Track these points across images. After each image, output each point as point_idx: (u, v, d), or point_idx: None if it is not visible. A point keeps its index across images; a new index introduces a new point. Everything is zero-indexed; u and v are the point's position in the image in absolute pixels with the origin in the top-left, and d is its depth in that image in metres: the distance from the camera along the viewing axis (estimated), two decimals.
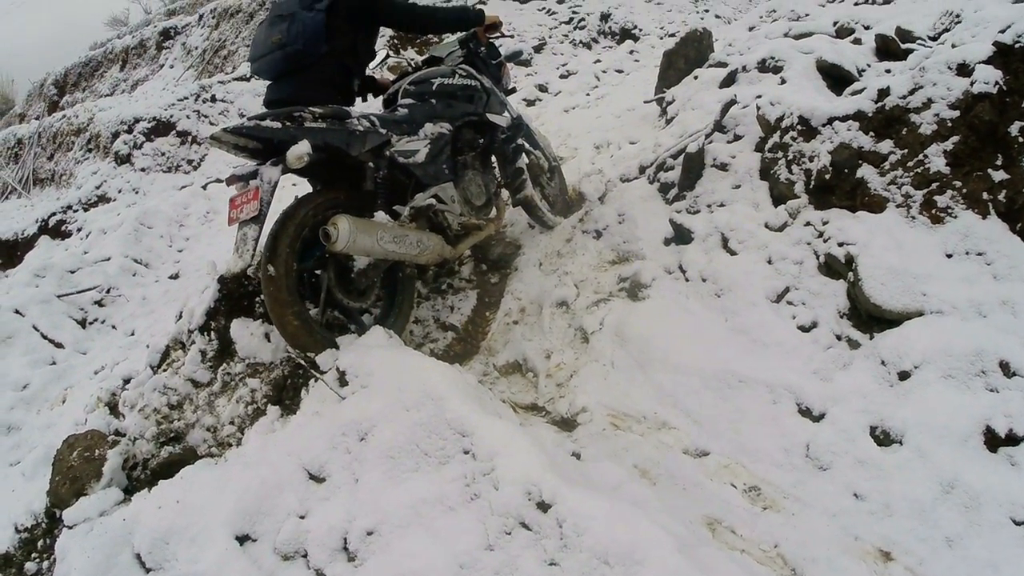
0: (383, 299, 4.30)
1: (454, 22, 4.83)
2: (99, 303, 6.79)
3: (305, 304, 3.72)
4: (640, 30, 12.99)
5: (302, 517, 3.01)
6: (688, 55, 6.47)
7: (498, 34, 5.17)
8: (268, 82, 4.32)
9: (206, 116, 11.81)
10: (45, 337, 6.33)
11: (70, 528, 3.41)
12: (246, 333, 4.02)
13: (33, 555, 3.79)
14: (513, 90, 5.39)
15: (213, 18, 16.41)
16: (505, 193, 5.15)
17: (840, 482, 3.09)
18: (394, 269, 4.24)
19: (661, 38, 12.30)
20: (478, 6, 5.05)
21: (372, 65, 4.72)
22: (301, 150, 3.45)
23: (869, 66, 4.71)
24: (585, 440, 3.51)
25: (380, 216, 3.90)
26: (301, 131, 3.57)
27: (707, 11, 14.19)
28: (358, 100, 4.53)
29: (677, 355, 3.79)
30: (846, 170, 3.99)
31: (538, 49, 12.93)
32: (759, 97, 4.74)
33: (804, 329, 3.72)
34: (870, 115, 4.02)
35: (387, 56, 4.68)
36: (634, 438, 3.48)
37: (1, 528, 4.02)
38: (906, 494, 2.92)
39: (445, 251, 4.26)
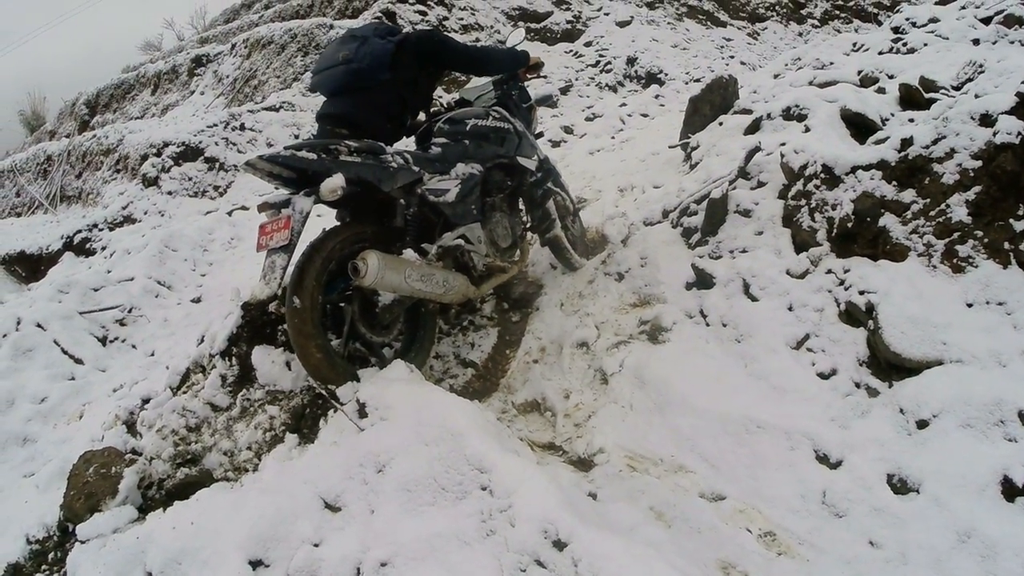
0: (404, 333, 4.32)
1: (508, 63, 4.94)
2: (120, 322, 6.83)
3: (328, 336, 3.75)
4: (666, 75, 13.09)
5: (316, 545, 3.02)
6: (714, 101, 6.49)
7: (538, 75, 5.29)
8: (324, 99, 4.42)
9: (234, 144, 11.96)
10: (65, 352, 6.36)
11: (83, 543, 3.43)
12: (267, 360, 4.06)
13: (43, 567, 3.79)
14: (540, 134, 5.44)
15: (245, 48, 16.66)
16: (531, 235, 5.18)
17: (856, 529, 3.06)
18: (417, 304, 4.25)
19: (686, 83, 12.39)
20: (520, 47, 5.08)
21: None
22: (335, 183, 3.49)
23: (893, 115, 4.73)
24: (601, 481, 3.50)
25: (408, 254, 3.92)
26: (336, 164, 3.61)
27: (732, 57, 14.31)
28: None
29: (696, 399, 3.78)
30: (868, 219, 3.99)
31: (564, 91, 13.07)
32: (783, 144, 4.76)
33: (823, 376, 3.71)
34: (893, 164, 4.03)
35: None
36: (651, 480, 3.46)
37: (12, 539, 4.02)
38: (922, 543, 2.89)
39: (469, 291, 4.29)
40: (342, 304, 3.93)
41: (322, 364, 3.60)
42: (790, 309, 4.02)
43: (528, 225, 5.12)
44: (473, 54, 4.66)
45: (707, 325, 4.24)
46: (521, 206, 5.16)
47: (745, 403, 3.67)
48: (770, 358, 3.86)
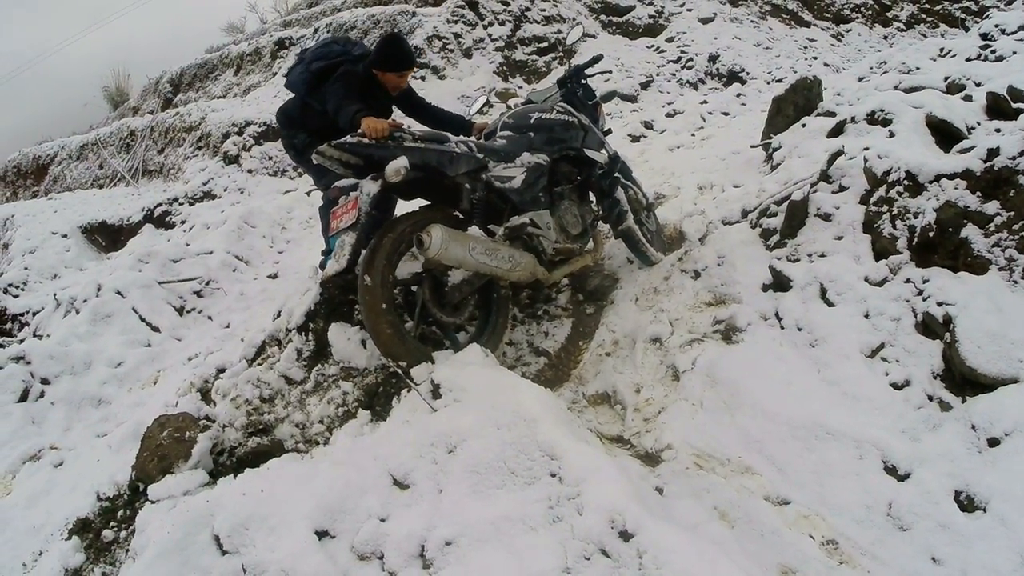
0: (478, 318, 4.42)
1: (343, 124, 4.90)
2: (198, 293, 7.00)
3: (399, 315, 3.86)
4: (748, 74, 12.92)
5: (382, 520, 3.08)
6: (797, 102, 6.39)
7: (590, 59, 5.40)
8: None
9: None
10: (143, 320, 6.54)
11: (153, 503, 3.53)
12: (343, 337, 4.17)
13: (112, 524, 3.89)
14: (608, 131, 5.47)
15: (328, 31, 16.82)
16: (605, 227, 5.20)
17: (919, 544, 3.01)
18: (489, 289, 4.36)
19: (768, 83, 12.20)
20: (584, 37, 5.20)
21: (475, 108, 5.05)
22: (399, 164, 3.63)
23: (979, 124, 4.62)
24: (668, 476, 3.50)
25: (474, 230, 4.06)
26: (400, 149, 3.77)
27: (815, 58, 14.06)
28: None
29: (767, 402, 3.75)
30: (950, 229, 3.90)
31: (645, 86, 13.00)
32: (867, 149, 4.67)
33: (896, 387, 3.64)
34: (978, 174, 3.93)
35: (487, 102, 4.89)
36: (716, 479, 3.45)
37: (83, 495, 4.15)
38: (985, 563, 2.84)
39: (538, 271, 4.35)
40: (414, 287, 4.07)
41: (391, 341, 3.76)
42: (866, 316, 3.96)
43: (600, 215, 5.17)
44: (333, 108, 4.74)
45: (782, 328, 4.19)
46: (592, 197, 5.25)
47: (816, 409, 3.63)
48: (843, 365, 3.80)
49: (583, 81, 5.36)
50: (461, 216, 4.27)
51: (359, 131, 3.86)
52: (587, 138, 4.89)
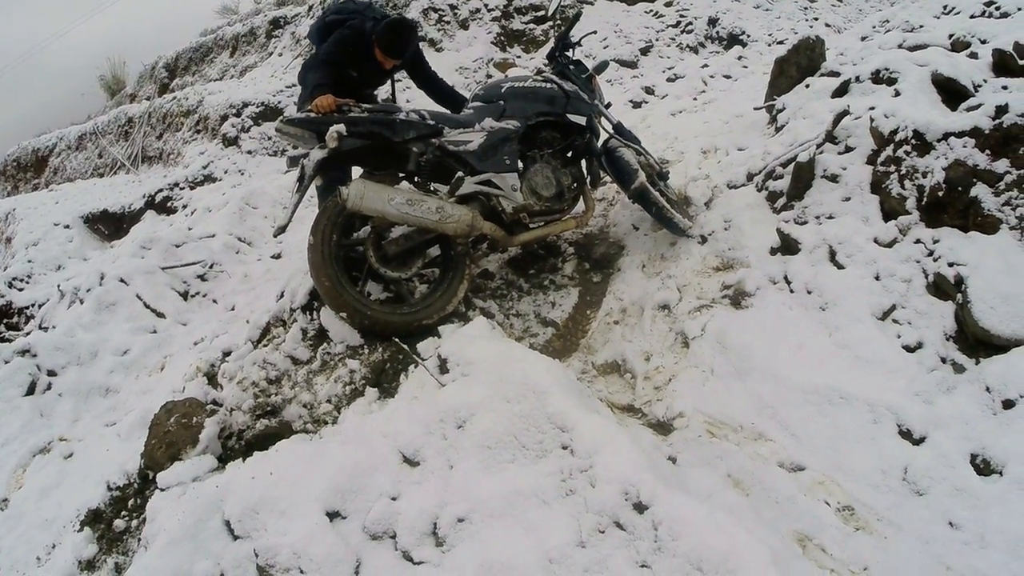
0: (438, 277, 4.53)
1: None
2: (202, 277, 6.95)
3: (340, 270, 4.11)
4: (748, 36, 12.80)
5: (394, 499, 3.06)
6: (800, 63, 6.30)
7: (568, 23, 5.41)
8: None
9: None
10: (148, 306, 6.50)
11: (163, 490, 3.52)
12: (337, 319, 4.19)
13: (123, 513, 3.88)
14: (608, 104, 5.49)
15: (321, 9, 16.70)
16: (612, 189, 5.20)
17: (936, 509, 3.00)
18: (446, 247, 4.51)
19: (769, 45, 12.10)
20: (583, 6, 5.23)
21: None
22: (335, 129, 3.92)
23: (985, 81, 4.55)
24: (680, 445, 3.49)
25: (403, 185, 4.34)
26: (341, 118, 4.08)
27: (816, 19, 13.93)
28: None
29: (778, 367, 3.73)
30: (959, 188, 3.86)
31: (644, 52, 12.88)
32: (872, 109, 4.62)
33: (909, 349, 3.62)
34: (987, 132, 3.88)
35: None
36: (730, 447, 3.44)
37: (94, 485, 4.15)
38: (1003, 527, 2.84)
39: (481, 225, 4.41)
40: (360, 247, 4.32)
41: (330, 293, 4.00)
42: (877, 278, 3.93)
43: (588, 179, 5.19)
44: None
45: (791, 292, 4.16)
46: (583, 162, 5.27)
47: (828, 373, 3.61)
48: (855, 328, 3.78)
49: (571, 55, 5.41)
50: (404, 176, 4.53)
51: (308, 107, 4.24)
52: (570, 103, 4.92)
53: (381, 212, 4.04)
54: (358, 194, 4.00)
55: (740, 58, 11.33)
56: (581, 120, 4.95)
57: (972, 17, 6.35)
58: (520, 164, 4.72)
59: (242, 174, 10.89)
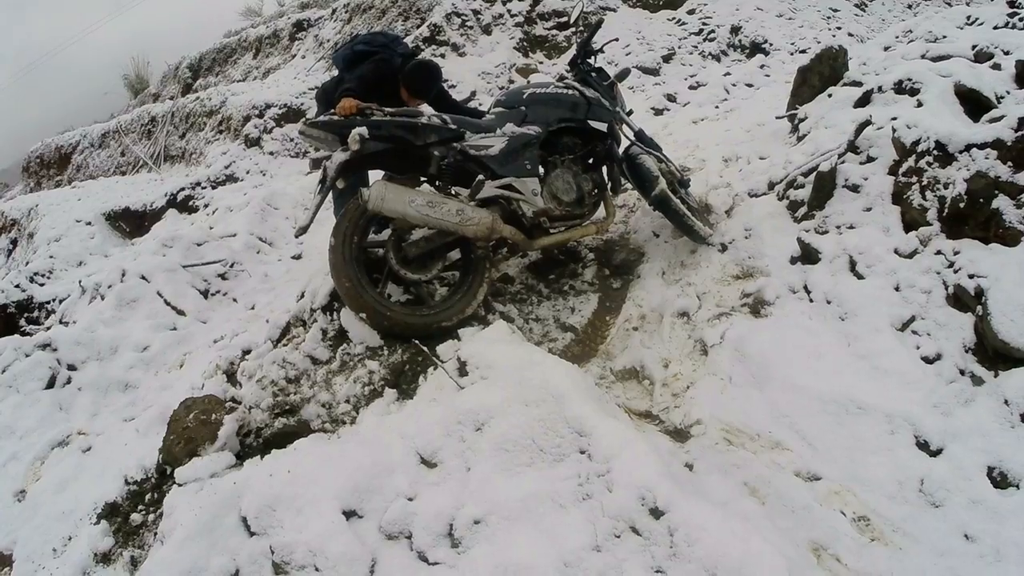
0: (458, 280, 4.60)
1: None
2: (222, 276, 6.99)
3: (362, 271, 4.18)
4: (771, 45, 12.74)
5: (410, 499, 3.08)
6: (822, 72, 6.28)
7: (590, 30, 5.38)
8: None
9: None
10: (168, 304, 6.54)
11: (180, 486, 3.51)
12: (357, 320, 4.23)
13: (140, 507, 3.92)
14: (630, 112, 5.49)
15: (346, 12, 16.76)
16: (631, 199, 5.21)
17: (952, 521, 3.00)
18: (467, 250, 4.55)
19: (792, 54, 12.04)
20: (603, 11, 5.26)
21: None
22: (357, 132, 3.97)
23: (1008, 93, 4.53)
24: (697, 452, 3.48)
25: (424, 187, 4.38)
26: (364, 121, 4.10)
27: (839, 28, 13.85)
28: None
29: (796, 376, 3.73)
30: (981, 200, 3.85)
31: (667, 59, 12.84)
32: (895, 119, 4.61)
33: (928, 360, 3.61)
34: (1009, 144, 3.87)
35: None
36: (746, 455, 3.44)
37: (111, 479, 4.17)
38: (1018, 540, 2.83)
39: (501, 229, 4.42)
40: (381, 249, 4.40)
41: (350, 293, 4.08)
42: (897, 289, 3.92)
43: (609, 185, 5.16)
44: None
45: (811, 301, 4.16)
46: (604, 169, 5.23)
47: (846, 383, 3.61)
48: (874, 338, 3.77)
49: (593, 62, 5.42)
50: (426, 180, 4.56)
51: (332, 110, 4.29)
52: (591, 111, 4.93)
53: (402, 213, 4.08)
54: (379, 195, 4.04)
55: (762, 67, 11.30)
56: (602, 126, 4.95)
57: (995, 28, 6.31)
58: (541, 169, 4.74)
59: (264, 175, 10.94)
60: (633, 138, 5.26)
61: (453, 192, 4.42)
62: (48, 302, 8.08)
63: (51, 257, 10.07)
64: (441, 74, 5.39)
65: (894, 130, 4.49)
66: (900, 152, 4.43)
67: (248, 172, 11.07)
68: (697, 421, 3.74)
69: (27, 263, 10.58)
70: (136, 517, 3.87)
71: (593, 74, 5.27)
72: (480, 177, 4.34)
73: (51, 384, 5.59)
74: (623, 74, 5.62)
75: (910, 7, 16.43)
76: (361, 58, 5.16)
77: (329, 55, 15.55)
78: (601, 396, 3.63)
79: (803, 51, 11.75)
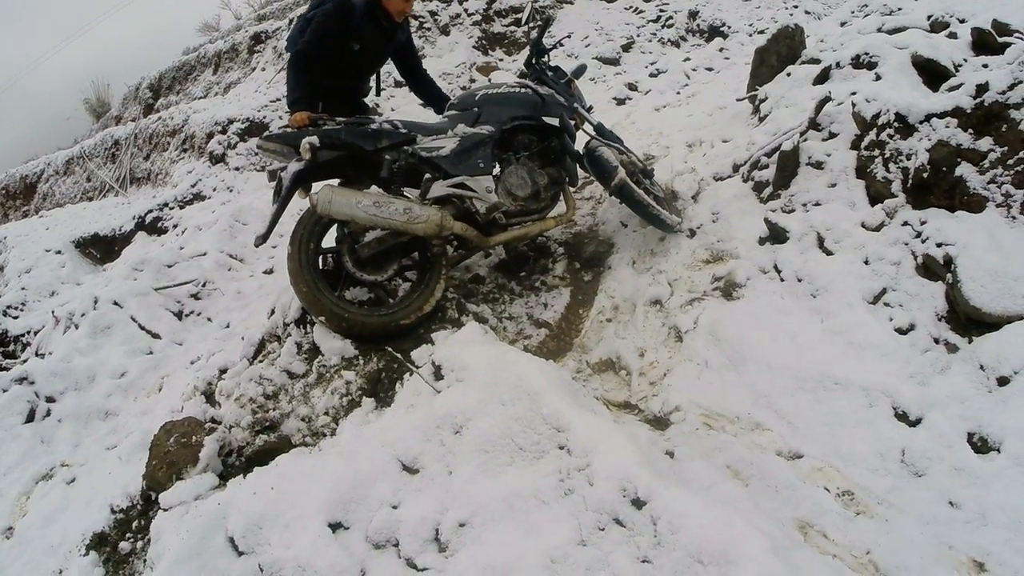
0: (415, 279, 4.64)
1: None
2: (195, 296, 6.95)
3: (318, 275, 4.27)
4: (729, 27, 12.79)
5: (395, 507, 3.08)
6: (780, 52, 6.32)
7: (540, 28, 5.46)
8: None
9: None
10: (143, 328, 6.50)
11: (166, 510, 3.52)
12: (329, 336, 4.26)
13: (127, 535, 3.89)
14: (590, 107, 5.56)
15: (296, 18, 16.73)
16: (600, 189, 5.23)
17: (935, 489, 3.02)
18: (423, 250, 4.61)
19: (750, 35, 12.12)
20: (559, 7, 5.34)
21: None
22: (308, 141, 4.14)
23: (966, 61, 4.56)
24: (678, 439, 3.50)
25: (372, 189, 4.45)
26: (315, 131, 4.27)
27: (796, 7, 13.90)
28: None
29: (772, 356, 3.75)
30: (944, 168, 3.88)
31: (626, 48, 12.87)
32: (854, 94, 4.64)
33: (901, 332, 3.64)
34: (968, 111, 3.90)
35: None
36: (727, 438, 3.45)
37: (97, 508, 4.16)
38: (1003, 503, 2.85)
39: (451, 225, 4.44)
40: (332, 254, 4.50)
41: (308, 297, 4.16)
42: (866, 263, 3.95)
43: (565, 179, 5.20)
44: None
45: (781, 280, 4.18)
46: (565, 163, 5.28)
47: (822, 359, 3.63)
48: (847, 313, 3.80)
49: (548, 60, 5.49)
50: (380, 183, 4.58)
51: (285, 124, 4.41)
52: (545, 107, 5.00)
53: (350, 216, 4.16)
54: (326, 199, 4.11)
55: (722, 50, 11.38)
56: (555, 122, 5.01)
57: None
58: (497, 167, 4.81)
59: (231, 191, 10.84)
60: (593, 132, 5.29)
61: (406, 195, 4.46)
62: (23, 335, 7.99)
63: (23, 289, 9.95)
64: None
65: (854, 105, 4.52)
66: (861, 126, 4.46)
67: (215, 189, 10.97)
68: (676, 408, 3.75)
69: None
70: (124, 545, 3.85)
71: (549, 72, 5.35)
72: (427, 176, 4.42)
73: (31, 418, 5.56)
74: (579, 71, 5.69)
75: None
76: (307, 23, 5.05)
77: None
78: (578, 390, 3.64)
79: (761, 32, 11.82)
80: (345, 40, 4.91)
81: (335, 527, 3.06)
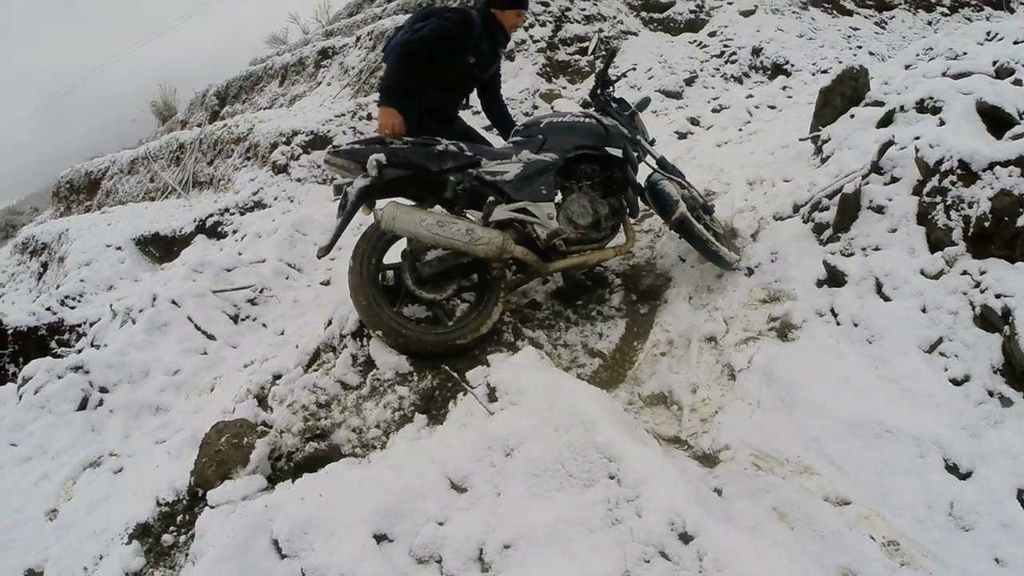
0: (474, 300, 4.71)
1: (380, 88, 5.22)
2: (252, 301, 7.10)
3: (379, 290, 4.33)
4: (792, 66, 12.78)
5: (441, 524, 3.09)
6: (844, 93, 6.29)
7: (606, 60, 5.54)
8: None
9: (361, 133, 12.16)
10: (199, 328, 6.63)
11: (212, 507, 3.56)
12: (385, 350, 4.31)
13: (171, 528, 3.93)
14: (652, 140, 5.56)
15: (370, 40, 16.90)
16: (659, 222, 5.25)
17: (982, 544, 2.98)
18: (483, 272, 4.64)
19: (813, 74, 12.08)
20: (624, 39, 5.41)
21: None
22: (375, 158, 4.17)
23: None
24: (726, 477, 3.49)
25: (436, 208, 4.51)
26: (383, 148, 4.31)
27: (860, 47, 13.85)
28: None
29: (824, 399, 3.72)
30: (1006, 218, 3.84)
31: (689, 82, 12.92)
32: (917, 139, 4.60)
33: (956, 382, 3.60)
34: None
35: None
36: (775, 480, 3.44)
37: (143, 499, 4.20)
38: None
39: (512, 249, 4.46)
40: (393, 270, 4.54)
41: (367, 311, 4.22)
42: (923, 311, 3.92)
43: (627, 210, 5.21)
44: (389, 56, 5.01)
45: (838, 324, 4.15)
46: (626, 195, 5.30)
47: (874, 406, 3.60)
48: (901, 361, 3.76)
49: (613, 91, 5.55)
50: (444, 205, 4.65)
51: (354, 140, 4.49)
52: (608, 138, 5.03)
53: (413, 233, 4.21)
54: (391, 215, 4.17)
55: (784, 88, 11.32)
56: (619, 153, 5.03)
57: (1016, 43, 6.28)
58: (559, 194, 4.84)
59: (291, 201, 11.02)
60: (655, 165, 5.30)
61: (468, 215, 4.51)
62: (78, 325, 8.22)
63: (82, 281, 10.22)
64: None
65: (917, 150, 4.48)
66: (924, 172, 4.43)
67: (276, 199, 11.16)
68: (726, 446, 3.74)
69: (58, 286, 10.75)
70: (167, 538, 3.89)
71: (613, 104, 5.39)
72: (491, 199, 4.44)
73: (83, 406, 5.68)
74: (643, 103, 5.70)
75: (930, 24, 16.43)
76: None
77: (353, 81, 15.73)
78: (630, 422, 3.65)
79: (824, 71, 11.79)
80: (462, 53, 4.97)
81: (380, 538, 3.08)
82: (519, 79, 13.29)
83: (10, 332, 8.08)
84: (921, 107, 5.11)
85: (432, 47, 4.76)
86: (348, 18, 24.64)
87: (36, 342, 8.08)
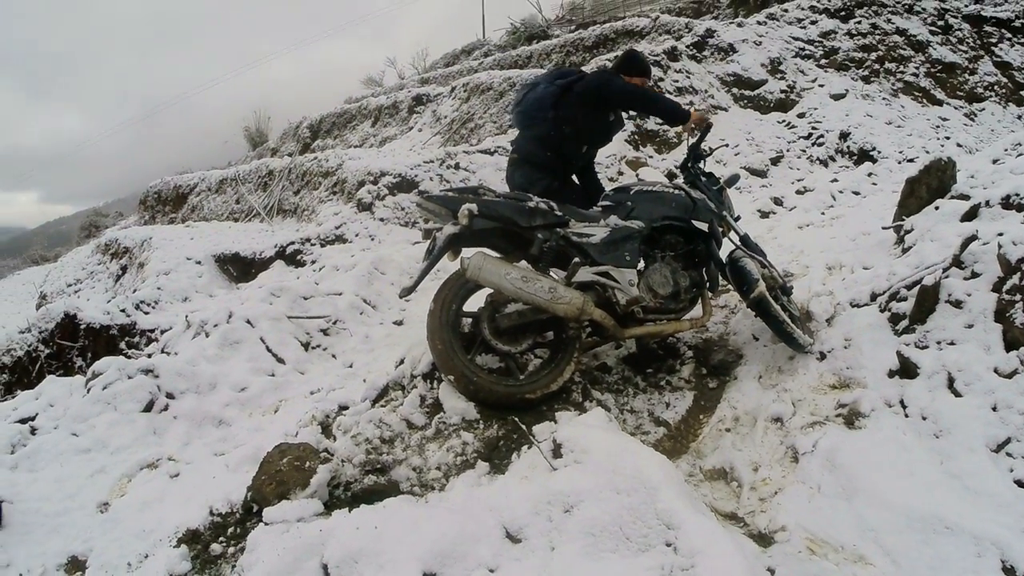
0: (547, 357, 4.79)
1: (668, 111, 5.50)
2: (324, 331, 7.23)
3: (456, 337, 4.46)
4: (879, 152, 12.69)
5: (491, 571, 3.14)
6: (930, 184, 6.26)
7: (702, 136, 5.61)
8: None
9: (448, 181, 12.32)
10: (270, 350, 6.75)
11: (267, 524, 3.65)
12: (454, 395, 4.42)
13: (221, 539, 4.00)
14: (737, 217, 5.63)
15: (464, 91, 17.28)
16: (735, 297, 5.47)
17: None
18: (560, 330, 4.71)
19: (900, 162, 11.98)
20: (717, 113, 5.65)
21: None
22: (468, 208, 4.30)
23: None
24: (780, 559, 3.47)
25: (522, 263, 4.58)
26: (475, 199, 4.43)
27: (948, 138, 13.70)
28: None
29: (886, 490, 3.69)
30: None
31: (775, 161, 12.92)
32: (1001, 235, 4.56)
33: (1020, 484, 3.53)
34: None
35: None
36: (829, 566, 3.41)
37: (196, 507, 4.28)
38: None
39: (591, 312, 4.53)
40: (471, 318, 4.67)
41: (442, 355, 4.34)
42: (994, 409, 3.86)
43: (707, 283, 5.27)
44: (636, 93, 5.48)
45: (906, 416, 4.12)
46: (706, 268, 5.37)
47: (936, 501, 3.55)
48: (967, 458, 3.72)
49: (703, 165, 5.64)
50: (528, 260, 4.73)
51: (447, 188, 4.51)
52: (695, 211, 5.11)
53: (497, 285, 4.32)
54: (477, 265, 4.28)
55: (870, 174, 11.29)
56: (704, 227, 5.10)
57: None
58: (641, 262, 4.90)
59: (372, 239, 11.19)
60: (738, 242, 5.37)
61: (551, 274, 4.60)
62: (151, 330, 8.43)
63: (159, 288, 10.48)
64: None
65: (1000, 246, 4.44)
66: (1005, 269, 4.39)
67: (357, 235, 11.35)
68: (782, 528, 3.73)
69: (135, 290, 11.06)
70: (216, 547, 3.95)
71: (703, 178, 5.47)
72: (576, 260, 4.54)
73: (148, 408, 5.79)
74: (732, 179, 5.76)
75: (1020, 118, 16.17)
76: (521, 121, 5.73)
77: (444, 129, 16.00)
78: (691, 492, 3.66)
79: (911, 160, 11.71)
80: (607, 110, 5.36)
81: None
82: (607, 145, 13.43)
83: (83, 327, 8.32)
84: (1007, 203, 5.09)
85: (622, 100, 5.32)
86: (444, 68, 25.31)
87: (106, 340, 8.30)
